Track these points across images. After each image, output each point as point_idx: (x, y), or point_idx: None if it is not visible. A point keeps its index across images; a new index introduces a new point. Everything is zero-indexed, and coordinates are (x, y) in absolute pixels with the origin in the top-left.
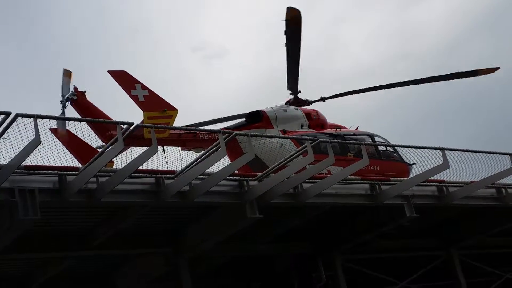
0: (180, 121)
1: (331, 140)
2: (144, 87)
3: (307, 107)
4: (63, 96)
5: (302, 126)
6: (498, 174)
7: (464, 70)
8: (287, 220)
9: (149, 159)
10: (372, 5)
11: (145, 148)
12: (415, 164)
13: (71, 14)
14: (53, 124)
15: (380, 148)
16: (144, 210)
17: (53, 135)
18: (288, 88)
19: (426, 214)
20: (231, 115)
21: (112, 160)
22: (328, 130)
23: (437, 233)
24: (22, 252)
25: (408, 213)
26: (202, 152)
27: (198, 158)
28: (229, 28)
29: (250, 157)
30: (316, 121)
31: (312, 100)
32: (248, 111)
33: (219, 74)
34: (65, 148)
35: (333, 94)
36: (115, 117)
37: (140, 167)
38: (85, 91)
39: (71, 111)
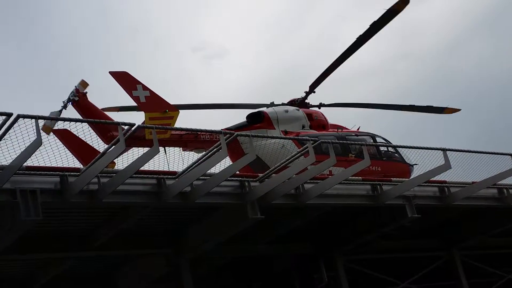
0: (181, 122)
1: (333, 141)
2: (145, 88)
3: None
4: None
5: (303, 127)
6: (499, 175)
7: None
8: (289, 221)
9: (151, 160)
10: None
11: (146, 149)
12: (416, 164)
13: (71, 14)
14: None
15: (382, 148)
16: (145, 210)
17: (54, 136)
18: (310, 85)
19: (427, 215)
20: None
21: (114, 161)
22: (329, 131)
23: (438, 234)
24: (23, 253)
25: (409, 214)
26: (204, 153)
27: (199, 159)
28: (229, 28)
29: (252, 157)
30: (317, 121)
31: (312, 104)
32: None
33: (219, 74)
34: (66, 149)
35: (332, 102)
36: (116, 118)
37: (142, 168)
38: (86, 92)
39: (72, 112)
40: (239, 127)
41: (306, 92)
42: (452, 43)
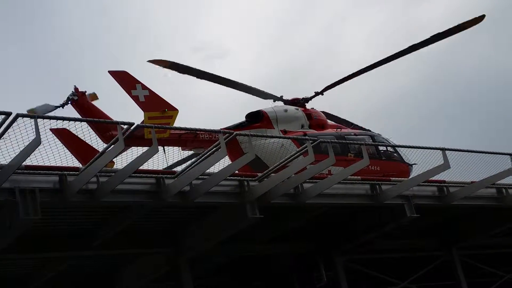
0: (180, 122)
1: (332, 141)
2: (144, 87)
3: (307, 106)
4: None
5: (302, 126)
6: (498, 175)
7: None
8: (288, 220)
9: (150, 159)
10: (372, 5)
11: (145, 148)
12: (415, 164)
13: (72, 14)
14: (54, 124)
15: (381, 148)
16: (144, 210)
17: (53, 135)
18: (324, 88)
19: (426, 214)
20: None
21: (113, 160)
22: (329, 131)
23: (437, 233)
24: (22, 252)
25: (408, 213)
26: (203, 152)
27: (198, 158)
28: (229, 28)
29: (251, 157)
30: (316, 121)
31: (309, 97)
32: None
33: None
34: (65, 148)
35: (325, 86)
36: (115, 118)
37: (141, 167)
38: (85, 91)
39: (71, 111)
40: (238, 127)
41: (316, 92)
42: (452, 43)
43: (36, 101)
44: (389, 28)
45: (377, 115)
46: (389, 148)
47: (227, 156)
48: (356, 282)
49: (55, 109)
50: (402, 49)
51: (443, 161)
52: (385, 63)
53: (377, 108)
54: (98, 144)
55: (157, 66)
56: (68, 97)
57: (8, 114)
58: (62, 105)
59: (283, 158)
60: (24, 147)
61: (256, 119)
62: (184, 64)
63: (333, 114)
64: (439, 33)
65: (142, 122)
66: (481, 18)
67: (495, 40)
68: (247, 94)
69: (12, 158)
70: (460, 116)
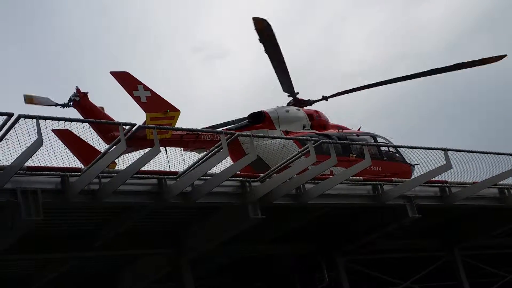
0: (182, 122)
1: (334, 141)
2: (146, 88)
3: (309, 107)
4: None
5: (304, 127)
6: (500, 175)
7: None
8: (289, 221)
9: (152, 160)
10: (372, 5)
11: (147, 149)
12: (417, 164)
13: (72, 14)
14: (56, 125)
15: (383, 148)
16: (146, 211)
17: (55, 136)
18: (284, 91)
19: (428, 215)
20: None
21: (115, 161)
22: (330, 131)
23: (439, 234)
24: (24, 253)
25: (410, 214)
26: (205, 153)
27: (200, 159)
28: (229, 29)
29: (253, 158)
30: (318, 121)
31: (314, 100)
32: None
33: (220, 74)
34: (67, 149)
35: (336, 92)
36: (117, 118)
37: (143, 168)
38: (87, 92)
39: (73, 112)
40: (240, 127)
41: (323, 97)
42: (452, 43)
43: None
44: (389, 28)
45: (377, 115)
46: (391, 149)
47: (229, 157)
48: (358, 283)
49: (55, 105)
50: (422, 71)
51: (445, 162)
52: (401, 81)
53: (377, 108)
54: (100, 145)
55: None
56: (70, 98)
57: (10, 115)
58: (64, 106)
59: (285, 159)
60: (26, 148)
61: (258, 119)
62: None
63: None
64: (461, 63)
65: (144, 123)
66: (502, 56)
67: (495, 40)
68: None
69: (14, 159)
70: (460, 116)
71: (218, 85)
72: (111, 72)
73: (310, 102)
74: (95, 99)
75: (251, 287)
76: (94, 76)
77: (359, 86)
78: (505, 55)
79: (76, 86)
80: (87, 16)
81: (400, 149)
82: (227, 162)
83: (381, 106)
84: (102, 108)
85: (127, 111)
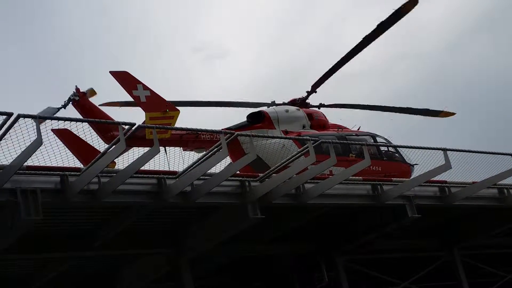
0: (181, 122)
1: (333, 141)
2: (145, 87)
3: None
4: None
5: (303, 127)
6: (500, 175)
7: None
8: (289, 221)
9: (151, 160)
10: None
11: (146, 149)
12: (417, 164)
13: (72, 14)
14: (55, 124)
15: (382, 148)
16: (145, 210)
17: (55, 135)
18: (312, 85)
19: (428, 215)
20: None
21: (114, 160)
22: (330, 131)
23: (439, 234)
24: (23, 253)
25: (410, 214)
26: (204, 152)
27: (200, 159)
28: (229, 29)
29: (252, 157)
30: (317, 121)
31: (312, 104)
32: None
33: (220, 74)
34: (66, 149)
35: (331, 103)
36: (116, 118)
37: (142, 168)
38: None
39: (73, 112)
40: (239, 127)
41: (307, 92)
42: (452, 43)
43: (36, 101)
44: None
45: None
46: (390, 149)
47: (228, 157)
48: (357, 283)
49: (57, 111)
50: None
51: (445, 162)
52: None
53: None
54: (99, 144)
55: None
56: (69, 98)
57: (9, 114)
58: (64, 106)
59: (284, 159)
60: (25, 148)
61: (257, 119)
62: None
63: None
64: (382, 22)
65: (143, 122)
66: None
67: (495, 40)
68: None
69: (13, 158)
70: (460, 116)
71: (218, 85)
72: (110, 72)
73: (308, 106)
74: (95, 99)
75: (250, 287)
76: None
77: (354, 104)
78: (455, 113)
79: (76, 86)
80: (87, 16)
81: (399, 149)
82: (227, 162)
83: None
84: (93, 90)
85: (127, 111)
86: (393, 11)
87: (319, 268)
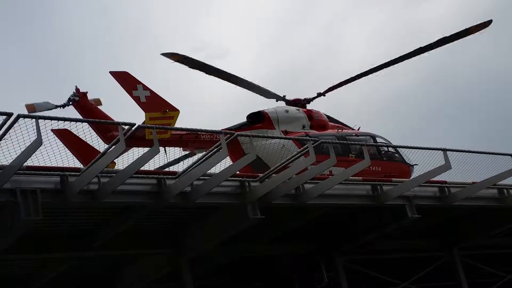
0: (181, 122)
1: (333, 141)
2: (145, 87)
3: (308, 107)
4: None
5: (303, 127)
6: (500, 175)
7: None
8: (288, 221)
9: (151, 160)
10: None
11: (146, 149)
12: (416, 165)
13: (72, 14)
14: (55, 124)
15: (382, 149)
16: (145, 211)
17: (54, 135)
18: (325, 90)
19: (427, 215)
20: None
21: (114, 161)
22: (330, 131)
23: (438, 234)
24: (23, 253)
25: (410, 214)
26: (204, 153)
27: (199, 159)
28: (229, 28)
29: (252, 157)
30: (317, 121)
31: (311, 97)
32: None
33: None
34: (66, 149)
35: (327, 88)
36: (116, 118)
37: (142, 168)
38: (86, 92)
39: (73, 112)
40: (239, 127)
41: (318, 93)
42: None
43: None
44: (389, 28)
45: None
46: (390, 149)
47: (228, 157)
48: (357, 283)
49: (55, 108)
50: (408, 51)
51: (444, 162)
52: (391, 65)
53: (378, 108)
54: (99, 144)
55: (170, 60)
56: (69, 98)
57: (9, 114)
58: (63, 106)
59: (284, 159)
60: (25, 148)
61: (257, 119)
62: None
63: (330, 116)
64: (445, 37)
65: (143, 122)
66: (488, 23)
67: (495, 40)
68: (250, 91)
69: (13, 158)
70: (460, 116)
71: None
72: (110, 72)
73: (308, 100)
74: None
75: (250, 287)
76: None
77: (351, 77)
78: (491, 20)
79: (76, 86)
80: (87, 16)
81: (399, 149)
82: (227, 162)
83: (381, 106)
84: (99, 100)
85: (126, 111)
86: (462, 29)
87: (319, 269)
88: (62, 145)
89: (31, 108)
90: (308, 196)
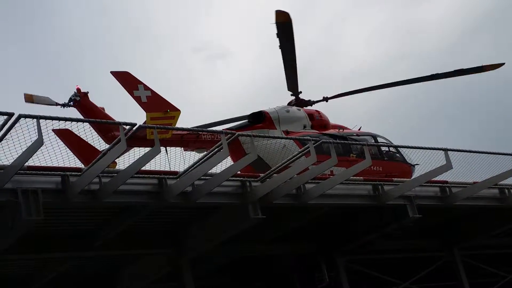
0: (182, 122)
1: (334, 141)
2: (146, 87)
3: (309, 107)
4: None
5: (304, 127)
6: (501, 175)
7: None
8: (289, 221)
9: (152, 160)
10: (372, 5)
11: (147, 149)
12: (418, 164)
13: (72, 14)
14: (56, 124)
15: (383, 148)
16: (146, 211)
17: (56, 135)
18: (288, 89)
19: (428, 215)
20: (233, 117)
21: (115, 160)
22: (331, 131)
23: (439, 234)
24: (23, 253)
25: (411, 214)
26: (205, 153)
27: (200, 159)
28: (230, 29)
29: (253, 157)
30: (318, 121)
31: (315, 100)
32: (251, 112)
33: (221, 74)
34: (67, 149)
35: (336, 93)
36: (117, 118)
37: (143, 168)
38: (87, 92)
39: (74, 112)
40: (240, 127)
41: (324, 97)
42: (452, 43)
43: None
44: (389, 28)
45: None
46: (391, 149)
47: (229, 157)
48: (358, 283)
49: (55, 105)
50: (423, 75)
51: (446, 162)
52: (403, 84)
53: (378, 108)
54: (100, 144)
55: None
56: (70, 98)
57: (10, 114)
58: (64, 105)
59: (285, 159)
60: (26, 148)
61: (258, 119)
62: None
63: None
64: (462, 69)
65: (144, 122)
66: (500, 64)
67: (495, 40)
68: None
69: (14, 158)
70: (460, 116)
71: (218, 85)
72: (111, 72)
73: (311, 103)
74: (96, 99)
75: (251, 287)
76: (94, 76)
77: (359, 88)
78: (503, 63)
79: (77, 86)
80: (87, 16)
81: (400, 149)
82: (228, 162)
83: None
84: (103, 108)
85: (127, 111)
86: (476, 66)
87: (320, 268)
88: (63, 145)
89: (29, 98)
90: (309, 196)
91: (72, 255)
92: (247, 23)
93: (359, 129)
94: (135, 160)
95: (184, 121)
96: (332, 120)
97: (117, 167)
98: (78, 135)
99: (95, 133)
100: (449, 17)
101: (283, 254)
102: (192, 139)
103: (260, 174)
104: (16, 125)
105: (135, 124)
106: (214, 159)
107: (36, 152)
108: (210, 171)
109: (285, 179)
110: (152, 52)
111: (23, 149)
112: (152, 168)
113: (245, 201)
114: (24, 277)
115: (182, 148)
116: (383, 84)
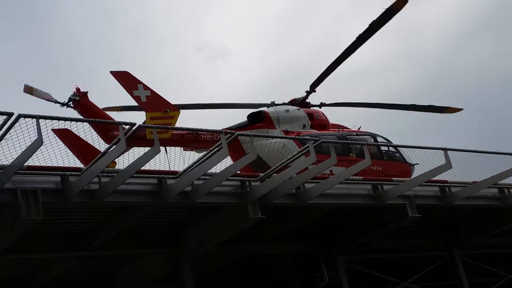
0: (182, 122)
1: (333, 141)
2: (146, 87)
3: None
4: None
5: (304, 127)
6: (500, 174)
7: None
8: (289, 220)
9: (152, 160)
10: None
11: (147, 149)
12: (417, 164)
13: (73, 14)
14: (56, 124)
15: (382, 148)
16: (146, 210)
17: (55, 135)
18: (311, 85)
19: (428, 215)
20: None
21: (115, 160)
22: (330, 131)
23: (439, 234)
24: (23, 253)
25: (410, 214)
26: (205, 152)
27: (200, 159)
28: (231, 28)
29: (253, 157)
30: (318, 121)
31: (313, 104)
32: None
33: (221, 74)
34: (67, 149)
35: (332, 102)
36: (117, 118)
37: (143, 168)
38: (87, 92)
39: (73, 112)
40: (240, 127)
41: (307, 92)
42: (452, 43)
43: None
44: (389, 28)
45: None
46: (390, 148)
47: (228, 156)
48: (358, 282)
49: (55, 102)
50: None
51: (445, 161)
52: (404, 109)
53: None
54: (100, 144)
55: None
56: (69, 98)
57: (10, 114)
58: (63, 104)
59: (284, 158)
60: (26, 148)
61: (257, 119)
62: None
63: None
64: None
65: (144, 122)
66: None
67: (495, 40)
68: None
69: (14, 158)
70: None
71: (219, 85)
72: (111, 72)
73: (309, 105)
74: (96, 99)
75: (251, 287)
76: (94, 76)
77: (354, 102)
78: (461, 109)
79: (76, 86)
80: (87, 16)
81: (400, 149)
82: (227, 162)
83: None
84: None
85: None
86: (384, 10)
87: (320, 268)
88: (63, 145)
89: (29, 89)
90: (308, 196)
91: (72, 255)
92: (247, 23)
93: (359, 129)
94: (134, 160)
95: (184, 121)
96: (332, 120)
97: (116, 167)
98: (78, 135)
99: (95, 132)
100: (449, 17)
101: (283, 254)
102: (192, 138)
103: (260, 174)
104: (15, 125)
105: (135, 124)
106: (214, 158)
107: (36, 152)
108: (209, 170)
109: (284, 178)
110: (152, 52)
111: (23, 149)
112: (152, 168)
113: (245, 200)
114: (24, 277)
115: (182, 148)
116: (391, 104)
